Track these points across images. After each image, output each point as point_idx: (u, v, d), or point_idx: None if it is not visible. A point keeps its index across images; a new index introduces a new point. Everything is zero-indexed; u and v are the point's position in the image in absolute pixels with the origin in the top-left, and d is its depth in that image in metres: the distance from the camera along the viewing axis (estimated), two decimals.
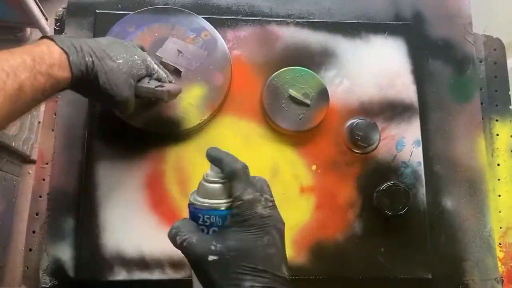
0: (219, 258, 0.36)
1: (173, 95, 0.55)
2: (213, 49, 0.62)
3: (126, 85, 0.49)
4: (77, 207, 0.60)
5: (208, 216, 0.39)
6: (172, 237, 0.39)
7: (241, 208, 0.38)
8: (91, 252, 0.58)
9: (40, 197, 0.64)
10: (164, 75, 0.56)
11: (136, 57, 0.51)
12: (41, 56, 0.42)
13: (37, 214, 0.64)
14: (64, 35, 0.46)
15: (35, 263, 0.61)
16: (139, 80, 0.52)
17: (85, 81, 0.46)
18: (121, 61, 0.49)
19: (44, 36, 0.46)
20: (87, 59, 0.46)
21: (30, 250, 0.62)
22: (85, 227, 0.59)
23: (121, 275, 0.58)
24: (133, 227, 0.59)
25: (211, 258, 0.36)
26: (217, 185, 0.40)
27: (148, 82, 0.53)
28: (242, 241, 0.37)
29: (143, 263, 0.58)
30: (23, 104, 0.41)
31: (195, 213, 0.40)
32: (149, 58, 0.53)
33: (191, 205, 0.41)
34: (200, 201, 0.40)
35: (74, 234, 0.60)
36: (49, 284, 0.59)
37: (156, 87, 0.52)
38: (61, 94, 0.63)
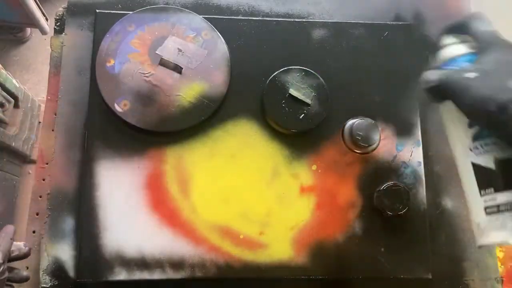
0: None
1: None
2: (213, 48, 0.62)
3: None
4: (77, 207, 0.60)
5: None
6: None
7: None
8: (91, 252, 0.58)
9: (40, 197, 0.64)
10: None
11: None
12: None
13: (37, 214, 0.64)
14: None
15: (35, 263, 0.61)
16: None
17: None
18: None
19: None
20: None
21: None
22: (85, 227, 0.59)
23: (121, 275, 0.58)
24: (133, 227, 0.59)
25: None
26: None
27: None
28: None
29: (143, 263, 0.58)
30: None
31: None
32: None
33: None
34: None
35: (74, 234, 0.60)
36: (49, 284, 0.59)
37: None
38: (61, 94, 0.63)
